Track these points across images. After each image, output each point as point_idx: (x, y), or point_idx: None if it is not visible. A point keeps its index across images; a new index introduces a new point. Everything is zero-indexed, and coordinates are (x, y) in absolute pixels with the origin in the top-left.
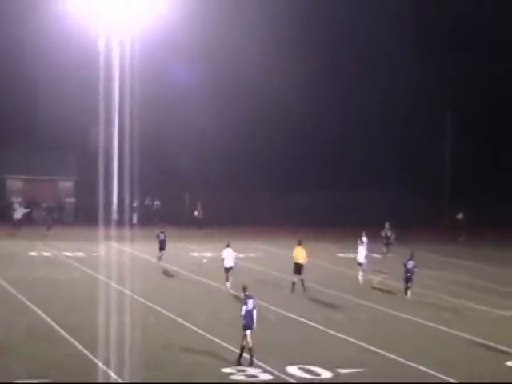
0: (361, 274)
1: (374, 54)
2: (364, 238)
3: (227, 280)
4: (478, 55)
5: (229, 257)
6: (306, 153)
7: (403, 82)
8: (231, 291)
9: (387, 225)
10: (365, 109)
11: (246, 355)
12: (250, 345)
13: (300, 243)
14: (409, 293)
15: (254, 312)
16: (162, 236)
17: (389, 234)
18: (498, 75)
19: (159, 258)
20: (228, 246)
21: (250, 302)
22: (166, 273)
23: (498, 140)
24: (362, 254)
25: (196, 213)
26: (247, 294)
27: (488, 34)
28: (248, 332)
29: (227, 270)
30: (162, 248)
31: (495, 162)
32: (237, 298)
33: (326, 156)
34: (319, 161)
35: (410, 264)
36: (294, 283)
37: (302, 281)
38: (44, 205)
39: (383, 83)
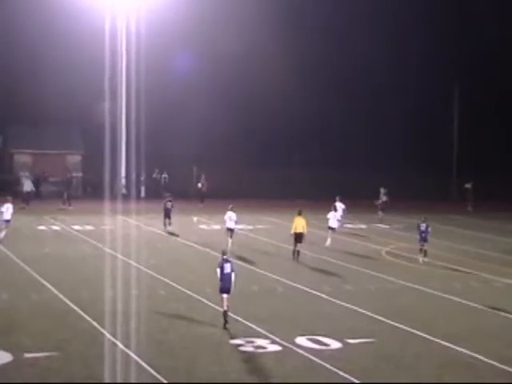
0: (330, 238)
1: (386, 25)
2: (338, 204)
3: (229, 240)
4: (488, 31)
5: (231, 219)
6: (310, 130)
7: (411, 60)
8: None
9: (382, 190)
10: (368, 93)
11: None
12: (225, 308)
13: (300, 213)
14: (421, 257)
15: (233, 276)
16: (168, 205)
17: (384, 199)
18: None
19: (165, 226)
20: (231, 209)
21: (228, 266)
22: (174, 245)
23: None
24: (333, 219)
25: (200, 185)
26: (225, 257)
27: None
28: (225, 296)
29: (229, 230)
30: (167, 216)
31: (501, 136)
32: (247, 269)
33: (330, 132)
34: (323, 137)
35: (423, 226)
36: (294, 251)
37: (298, 251)
38: (52, 179)
39: (393, 57)
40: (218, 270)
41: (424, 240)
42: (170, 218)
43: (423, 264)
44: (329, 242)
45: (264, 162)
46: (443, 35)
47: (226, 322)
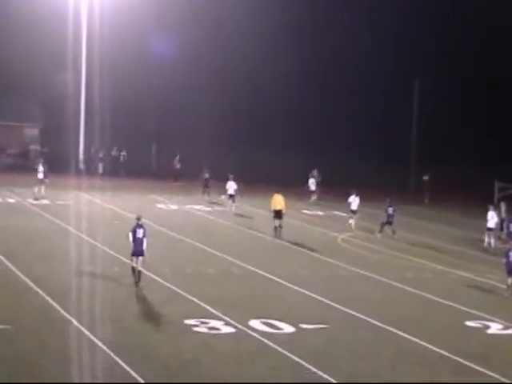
0: (353, 220)
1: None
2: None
3: (232, 205)
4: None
5: (231, 187)
6: (273, 114)
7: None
8: (234, 211)
9: (315, 172)
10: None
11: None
12: (140, 268)
13: (278, 191)
14: (379, 234)
15: (145, 240)
16: (206, 175)
17: (318, 179)
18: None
19: (208, 195)
20: (232, 179)
21: (141, 232)
22: (130, 223)
23: (463, 107)
24: (354, 202)
25: (177, 164)
26: (140, 223)
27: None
28: (140, 258)
29: (231, 196)
30: (206, 186)
31: (460, 129)
32: (204, 250)
33: (293, 119)
34: (284, 122)
35: (391, 210)
36: (275, 228)
37: (280, 226)
38: (10, 151)
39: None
40: (130, 234)
41: (390, 223)
42: (208, 187)
43: (376, 253)
44: (353, 224)
45: (231, 143)
46: (406, 29)
47: (136, 278)
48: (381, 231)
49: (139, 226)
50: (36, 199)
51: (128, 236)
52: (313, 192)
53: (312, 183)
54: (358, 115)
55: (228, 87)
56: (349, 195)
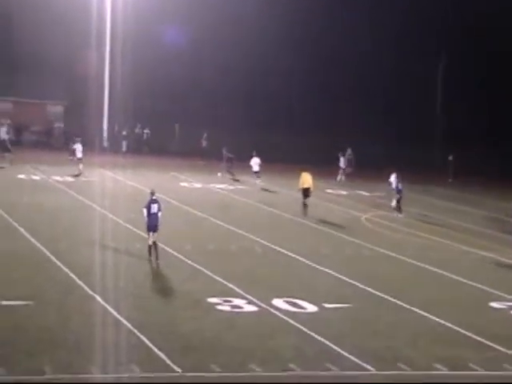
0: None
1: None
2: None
3: (256, 180)
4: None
5: (256, 164)
6: (298, 97)
7: (396, 29)
8: (261, 184)
9: (349, 150)
10: (356, 55)
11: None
12: (155, 240)
13: (305, 170)
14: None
15: (159, 215)
16: (229, 155)
17: (351, 158)
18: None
19: (232, 175)
20: (255, 155)
21: (155, 207)
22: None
23: (487, 88)
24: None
25: (204, 143)
26: (154, 198)
27: None
28: (155, 234)
29: (256, 172)
30: (230, 166)
31: (483, 110)
32: (227, 228)
33: (314, 100)
34: (307, 103)
35: (399, 185)
36: (304, 204)
37: (306, 204)
38: (34, 128)
39: (376, 28)
40: (145, 210)
41: (399, 199)
42: (232, 166)
43: (399, 232)
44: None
45: (248, 123)
46: (429, 7)
47: (150, 254)
48: (400, 210)
49: (154, 201)
50: (78, 175)
51: (142, 211)
52: (343, 170)
53: (342, 161)
54: (359, 114)
55: (228, 83)
56: (390, 175)
